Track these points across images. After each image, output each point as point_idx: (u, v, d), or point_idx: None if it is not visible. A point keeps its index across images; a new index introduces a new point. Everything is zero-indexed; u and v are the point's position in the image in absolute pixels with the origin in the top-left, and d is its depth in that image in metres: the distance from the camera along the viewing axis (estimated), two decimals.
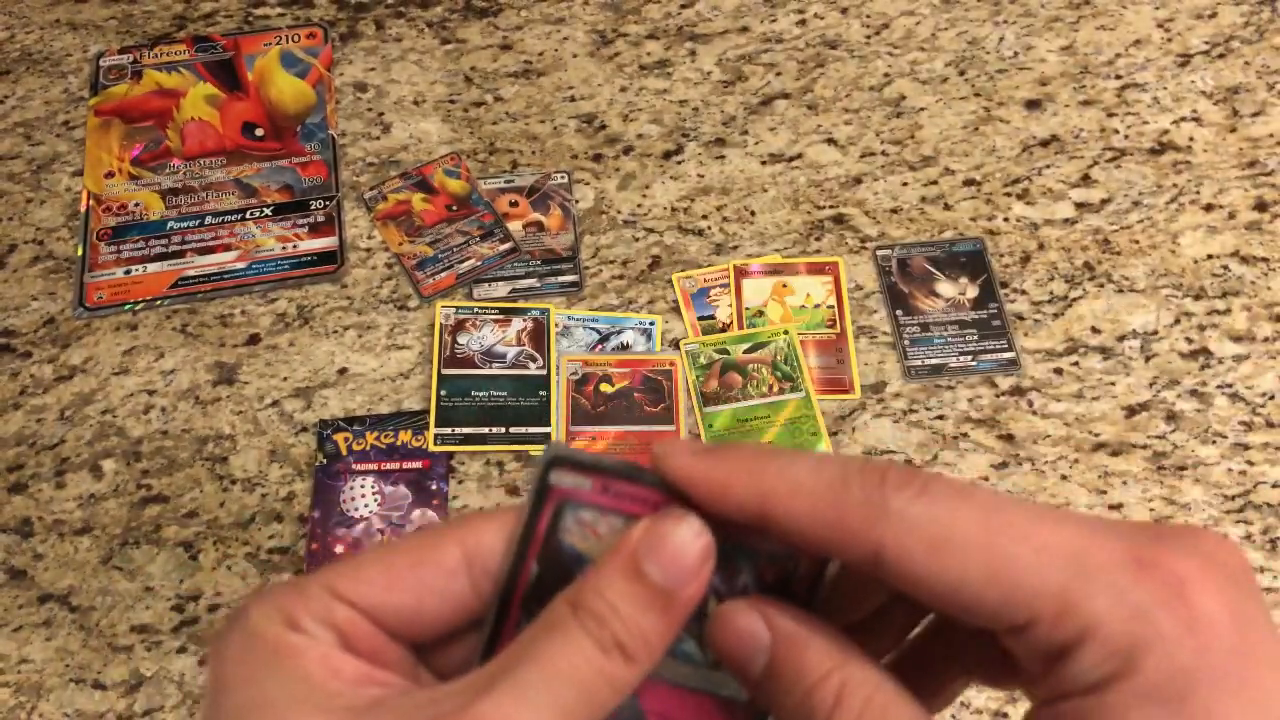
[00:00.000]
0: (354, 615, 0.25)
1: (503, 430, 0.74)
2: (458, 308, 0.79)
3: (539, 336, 0.78)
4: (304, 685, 0.24)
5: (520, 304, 0.79)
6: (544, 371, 0.76)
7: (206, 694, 0.25)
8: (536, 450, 0.74)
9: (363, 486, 0.71)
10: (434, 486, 0.72)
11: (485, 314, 0.78)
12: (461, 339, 0.77)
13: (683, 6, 0.95)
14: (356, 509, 0.70)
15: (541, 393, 0.75)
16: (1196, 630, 0.21)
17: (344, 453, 0.73)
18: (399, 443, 0.73)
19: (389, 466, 0.72)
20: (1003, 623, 0.23)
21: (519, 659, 0.24)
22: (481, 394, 0.75)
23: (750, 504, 0.25)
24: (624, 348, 0.78)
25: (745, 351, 0.77)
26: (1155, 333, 0.78)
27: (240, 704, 0.24)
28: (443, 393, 0.75)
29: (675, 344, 0.78)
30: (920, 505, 0.23)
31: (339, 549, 0.69)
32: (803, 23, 0.94)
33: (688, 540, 0.25)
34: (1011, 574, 0.22)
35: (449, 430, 0.74)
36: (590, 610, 0.25)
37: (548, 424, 0.74)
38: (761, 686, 0.26)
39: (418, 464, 0.72)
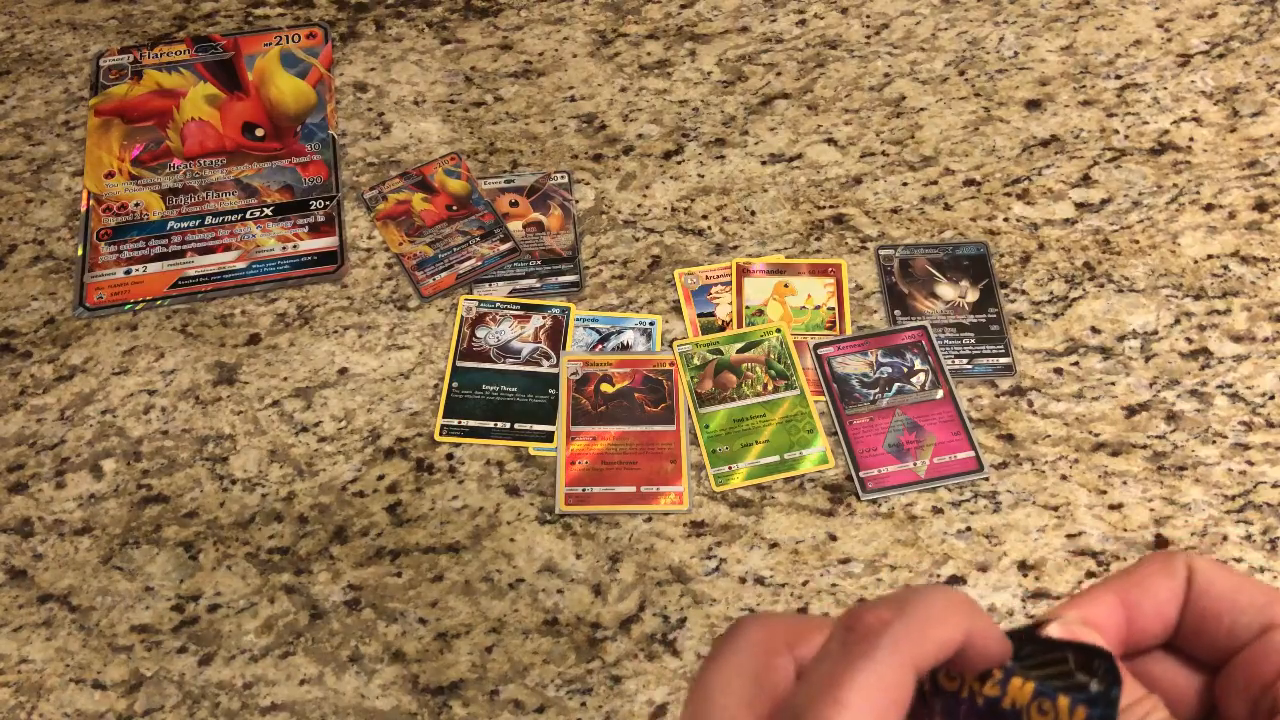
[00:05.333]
0: None
1: (508, 426, 0.74)
2: (480, 301, 0.79)
3: (556, 335, 0.78)
4: None
5: (542, 300, 0.79)
6: (556, 370, 0.76)
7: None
8: (535, 449, 0.74)
9: None
10: None
11: (506, 309, 0.78)
12: (480, 332, 0.78)
13: (683, 6, 0.96)
14: None
15: (551, 391, 0.76)
16: None
17: None
18: None
19: None
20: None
21: None
22: (492, 388, 0.76)
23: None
24: (624, 348, 0.78)
25: (738, 351, 0.77)
26: (1155, 333, 0.78)
27: None
28: (455, 384, 0.76)
29: (670, 344, 0.78)
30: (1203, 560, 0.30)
31: None
32: (803, 23, 0.94)
33: None
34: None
35: (455, 422, 0.74)
36: None
37: (553, 422, 0.74)
38: None
39: None
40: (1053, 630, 0.28)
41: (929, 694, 0.28)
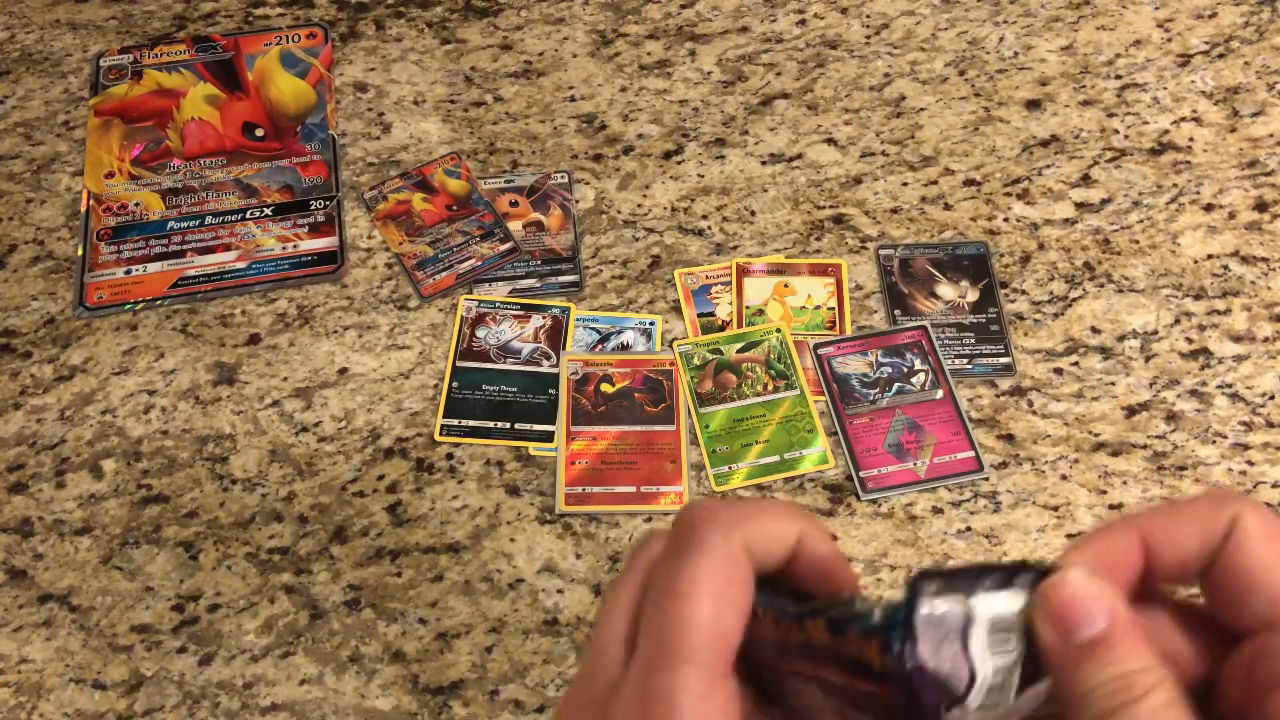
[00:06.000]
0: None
1: (508, 426, 0.74)
2: (480, 301, 0.79)
3: (556, 335, 0.78)
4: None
5: (542, 300, 0.79)
6: (556, 370, 0.76)
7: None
8: (535, 449, 0.74)
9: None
10: None
11: (506, 309, 0.79)
12: (480, 332, 0.78)
13: (683, 6, 0.95)
14: None
15: (551, 391, 0.76)
16: None
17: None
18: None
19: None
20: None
21: None
22: (492, 388, 0.76)
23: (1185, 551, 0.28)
24: (624, 348, 0.78)
25: (739, 351, 0.77)
26: (1155, 333, 0.78)
27: None
28: (455, 384, 0.76)
29: (670, 344, 0.78)
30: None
31: None
32: (803, 23, 0.94)
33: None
34: None
35: (455, 422, 0.74)
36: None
37: (553, 422, 0.74)
38: (1072, 657, 0.26)
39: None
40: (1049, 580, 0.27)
41: (750, 642, 0.28)
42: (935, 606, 0.26)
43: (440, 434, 0.74)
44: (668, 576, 0.26)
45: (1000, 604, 0.26)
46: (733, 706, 0.26)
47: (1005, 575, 0.27)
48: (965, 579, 0.26)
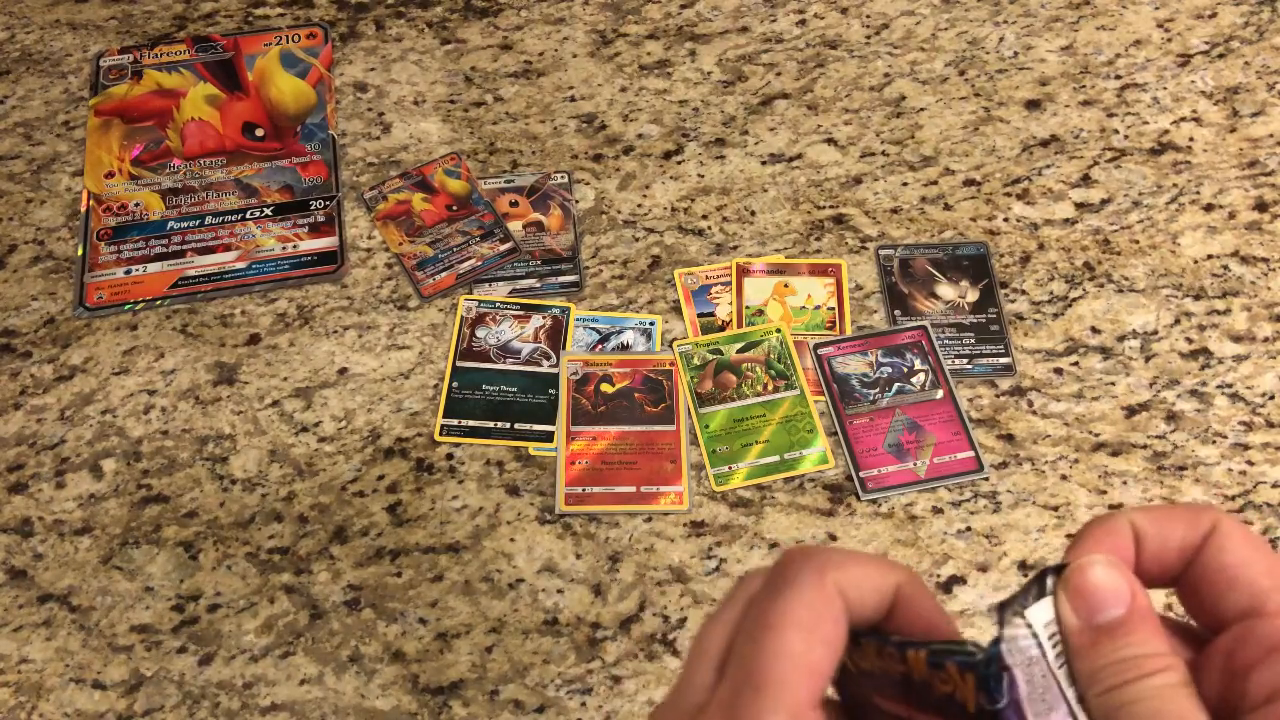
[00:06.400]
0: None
1: (508, 426, 0.74)
2: (480, 301, 0.79)
3: (556, 335, 0.78)
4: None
5: (542, 300, 0.79)
6: (556, 370, 0.76)
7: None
8: (535, 449, 0.74)
9: None
10: None
11: (506, 309, 0.79)
12: (480, 332, 0.78)
13: (683, 6, 0.96)
14: None
15: (551, 391, 0.76)
16: None
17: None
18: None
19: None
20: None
21: None
22: (492, 388, 0.76)
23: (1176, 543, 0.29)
24: (624, 348, 0.78)
25: (739, 351, 0.77)
26: (1155, 333, 0.78)
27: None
28: (455, 384, 0.76)
29: (670, 344, 0.78)
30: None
31: None
32: (803, 23, 0.94)
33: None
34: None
35: (455, 422, 0.74)
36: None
37: (553, 422, 0.74)
38: (1089, 637, 0.27)
39: None
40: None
41: (854, 675, 0.29)
42: (1016, 633, 0.26)
43: (440, 434, 0.74)
44: (759, 610, 0.28)
45: (1048, 610, 0.27)
46: None
47: (1041, 581, 0.28)
48: (1022, 597, 0.27)
